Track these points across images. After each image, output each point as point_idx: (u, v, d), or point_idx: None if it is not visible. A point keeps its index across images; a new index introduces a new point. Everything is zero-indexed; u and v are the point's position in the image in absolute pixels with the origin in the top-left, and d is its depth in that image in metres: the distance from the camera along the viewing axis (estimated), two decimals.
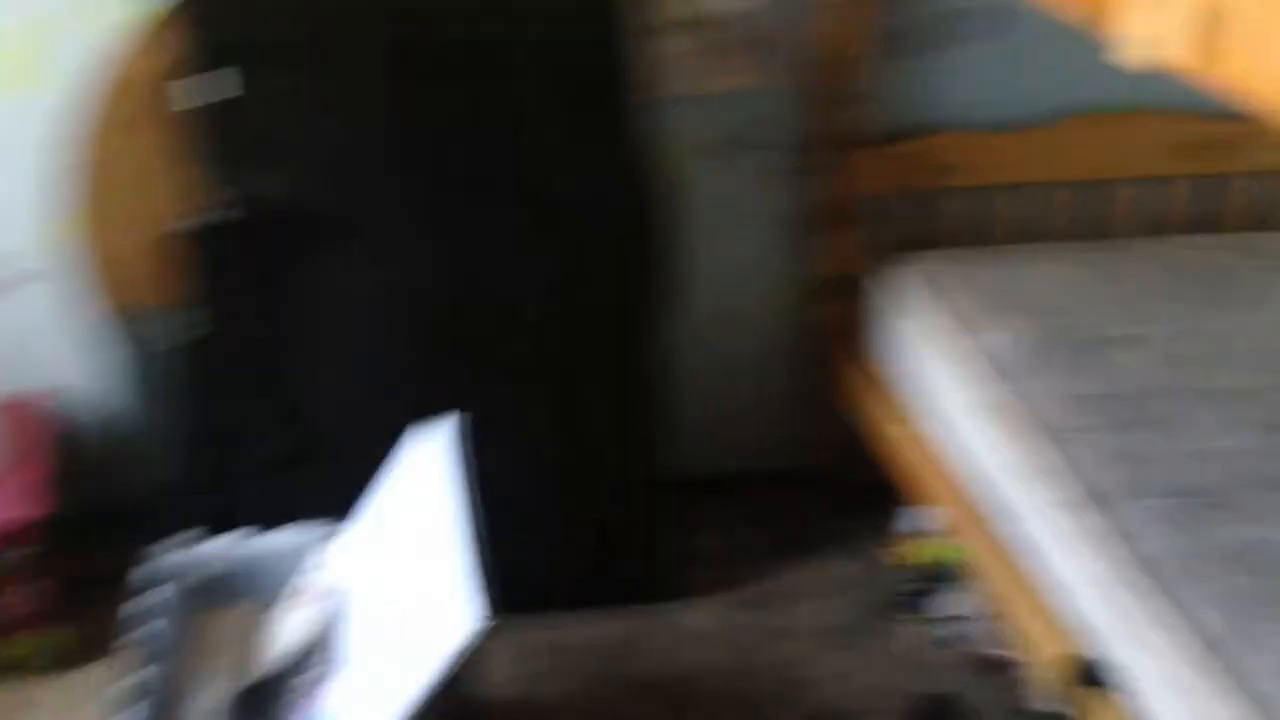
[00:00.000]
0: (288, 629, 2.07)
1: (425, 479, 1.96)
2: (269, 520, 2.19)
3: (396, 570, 1.93)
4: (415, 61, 2.25)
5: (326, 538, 2.14)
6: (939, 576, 2.69)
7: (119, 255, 2.45)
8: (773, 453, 3.05)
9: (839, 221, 2.77)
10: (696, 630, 2.69)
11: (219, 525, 2.22)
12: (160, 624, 2.00)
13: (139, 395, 2.57)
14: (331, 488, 2.11)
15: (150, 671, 1.90)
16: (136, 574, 2.08)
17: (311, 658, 1.96)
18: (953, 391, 2.43)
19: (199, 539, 2.16)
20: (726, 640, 2.66)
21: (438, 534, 1.82)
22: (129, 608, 2.02)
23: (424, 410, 2.03)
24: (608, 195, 2.39)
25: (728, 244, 2.83)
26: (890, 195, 2.76)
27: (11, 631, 2.40)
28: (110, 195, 2.41)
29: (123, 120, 2.37)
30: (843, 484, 2.94)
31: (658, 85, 2.43)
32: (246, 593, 2.16)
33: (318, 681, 1.89)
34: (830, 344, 2.87)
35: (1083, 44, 1.65)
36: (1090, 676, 1.89)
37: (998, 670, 2.51)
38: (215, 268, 2.32)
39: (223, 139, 2.23)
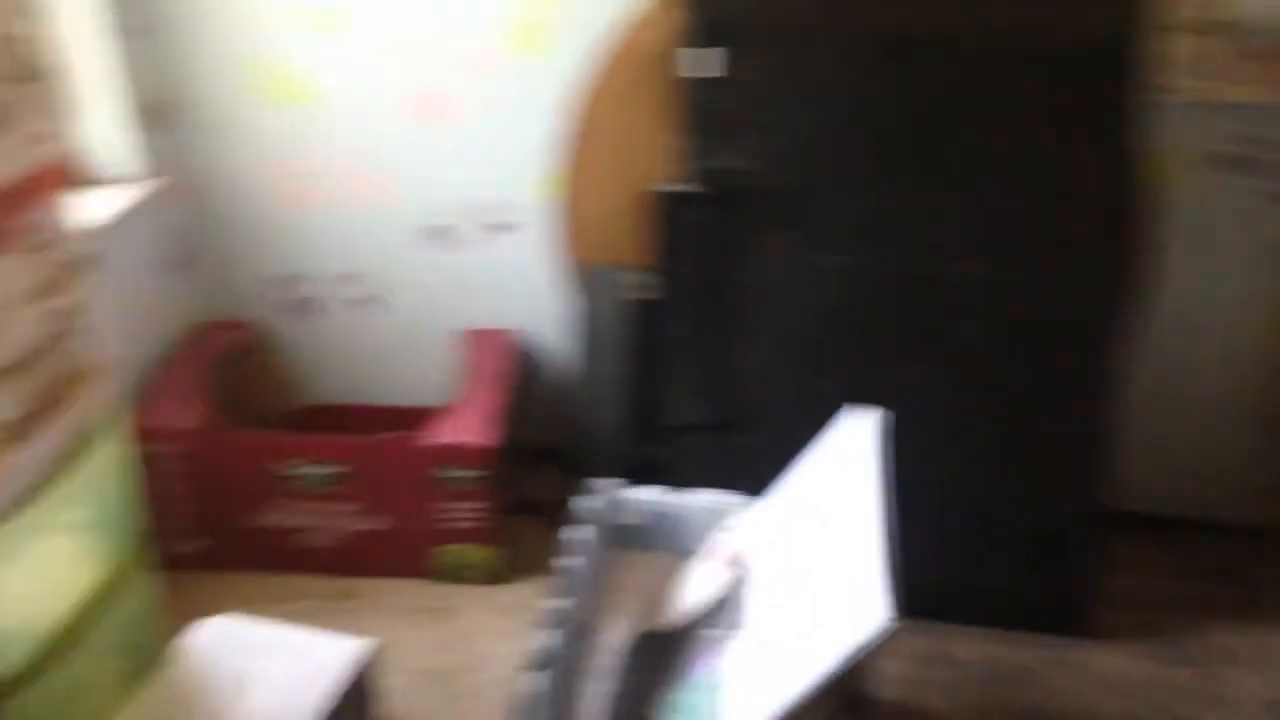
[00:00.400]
0: (694, 585, 2.13)
1: (848, 466, 1.94)
2: (690, 480, 2.27)
3: (807, 551, 1.93)
4: (907, 48, 2.22)
5: (743, 505, 2.18)
6: None
7: (591, 214, 2.62)
8: (1226, 501, 2.77)
9: None
10: (1109, 674, 2.48)
11: (643, 477, 2.32)
12: (582, 558, 2.12)
13: (589, 345, 2.74)
14: (754, 459, 2.14)
15: (568, 601, 2.03)
16: (568, 509, 2.22)
17: (713, 617, 2.01)
18: None
19: (625, 485, 2.28)
20: (1144, 693, 2.44)
21: (853, 523, 1.80)
22: (560, 538, 2.16)
23: (857, 396, 2.01)
24: (1090, 197, 2.24)
25: (1206, 265, 2.58)
26: None
27: (453, 542, 2.64)
28: (593, 157, 2.58)
29: (617, 89, 2.52)
30: None
31: (1164, 88, 2.25)
32: (661, 543, 2.25)
33: (715, 641, 1.93)
34: None
35: None
36: None
37: None
38: (674, 235, 2.42)
39: (700, 114, 2.31)
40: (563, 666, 1.94)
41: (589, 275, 2.68)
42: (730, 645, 1.88)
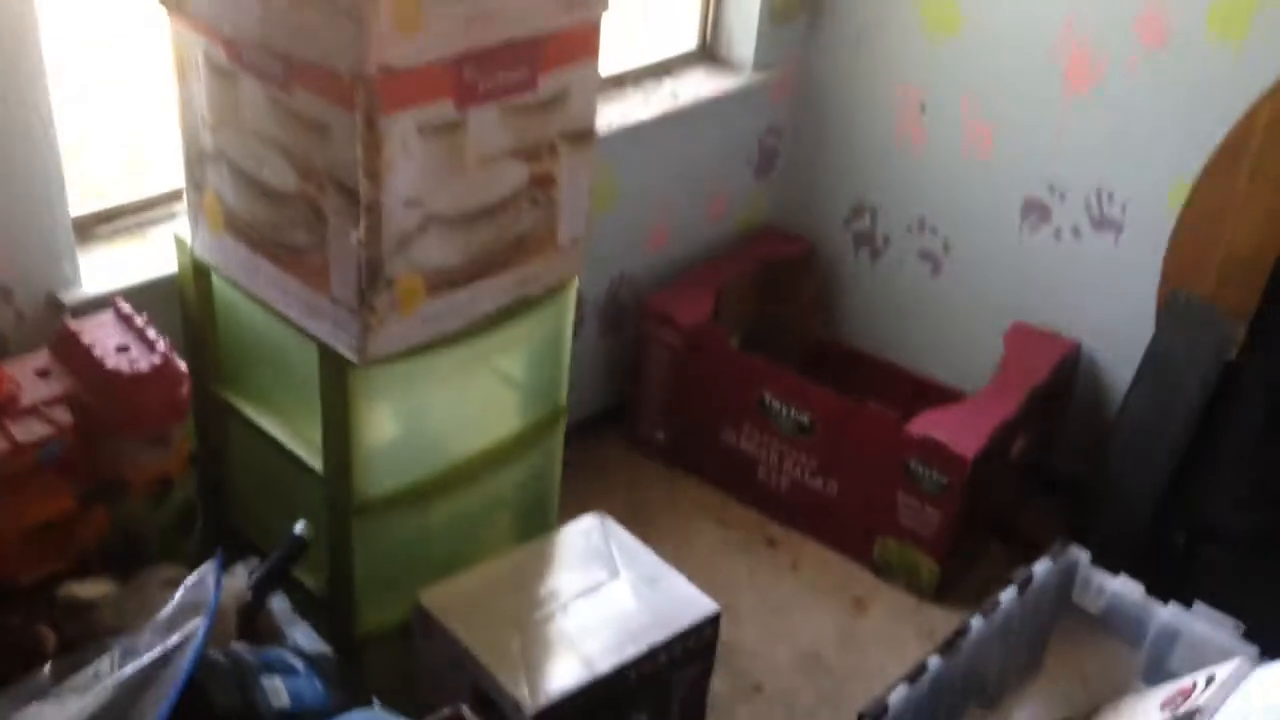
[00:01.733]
0: (1128, 714, 1.74)
1: None
2: (1206, 594, 1.85)
3: None
4: None
5: (1235, 648, 1.71)
6: None
7: (1219, 240, 2.17)
8: None
9: None
10: None
11: (1150, 563, 1.95)
12: (1012, 619, 1.84)
13: (1150, 385, 2.29)
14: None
15: (970, 656, 1.75)
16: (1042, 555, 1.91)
17: None
18: None
19: (1105, 560, 1.90)
20: None
21: None
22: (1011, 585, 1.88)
23: None
24: None
25: None
26: None
27: (900, 538, 2.37)
28: (1248, 176, 2.12)
29: None
30: None
31: None
32: (1124, 647, 1.88)
33: None
34: None
35: None
36: None
37: None
38: None
39: None
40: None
41: (1184, 308, 2.23)
42: None
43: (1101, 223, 2.47)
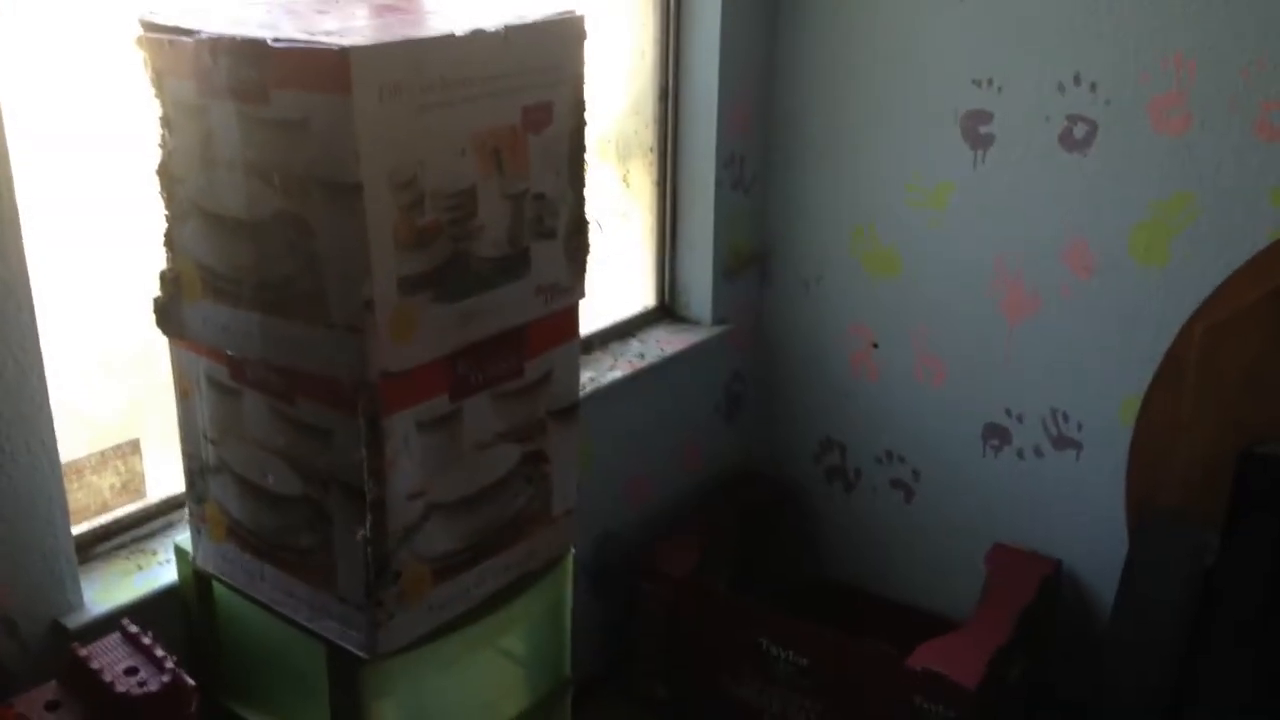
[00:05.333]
0: None
1: None
2: None
3: None
4: None
5: None
6: None
7: (1175, 453, 2.26)
8: None
9: None
10: None
11: None
12: None
13: (1131, 597, 2.33)
14: None
15: None
16: None
17: None
18: None
19: None
20: None
21: None
22: None
23: None
24: None
25: None
26: None
27: None
28: (1194, 390, 2.24)
29: (1243, 318, 2.17)
30: None
31: None
32: None
33: None
34: None
35: None
36: None
37: None
38: (1268, 509, 2.00)
39: None
40: None
41: (1155, 522, 2.30)
42: None
43: (1061, 441, 2.56)
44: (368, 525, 1.53)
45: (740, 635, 2.50)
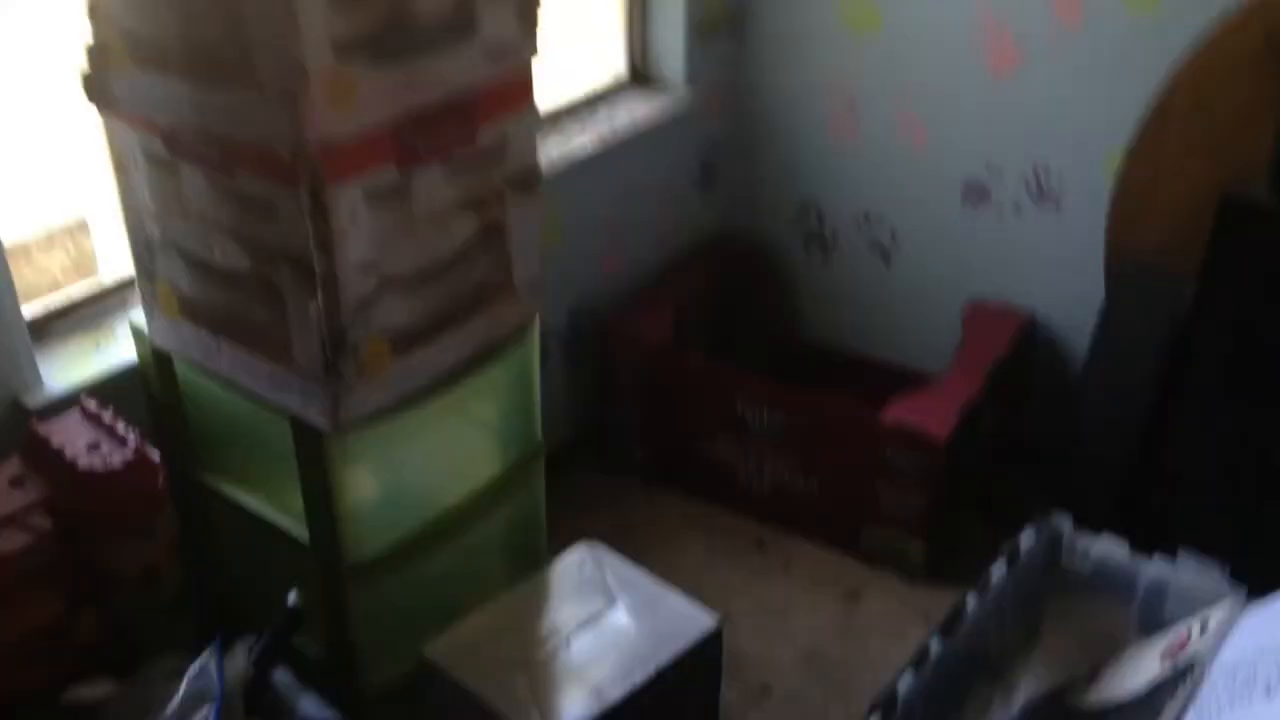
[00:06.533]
0: (1128, 666, 1.77)
1: None
2: (1184, 542, 1.86)
3: (1269, 687, 1.49)
4: None
5: (1224, 591, 1.75)
6: None
7: (1158, 203, 2.20)
8: None
9: None
10: None
11: (1126, 519, 1.97)
12: (1005, 591, 1.85)
13: (1107, 348, 2.33)
14: (1262, 539, 1.81)
15: (969, 634, 1.78)
16: (1023, 525, 1.93)
17: (1137, 715, 1.65)
18: None
19: (1088, 522, 1.93)
20: None
21: None
22: (997, 557, 1.89)
23: None
24: None
25: None
26: None
27: (885, 525, 2.41)
28: (1178, 140, 2.15)
29: (1228, 64, 2.08)
30: None
31: None
32: (1116, 604, 1.88)
33: None
34: None
35: None
36: None
37: None
38: (1246, 251, 1.97)
39: None
40: (931, 707, 1.71)
41: (1133, 272, 2.27)
42: None
43: (1042, 197, 2.51)
44: (320, 299, 1.50)
45: (716, 398, 2.53)
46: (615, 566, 1.99)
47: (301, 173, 1.42)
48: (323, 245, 1.47)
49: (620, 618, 1.87)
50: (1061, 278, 2.54)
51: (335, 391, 1.56)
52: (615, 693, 1.74)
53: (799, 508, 2.51)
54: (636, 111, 2.63)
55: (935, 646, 1.75)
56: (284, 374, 1.60)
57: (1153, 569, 1.87)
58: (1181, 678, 1.62)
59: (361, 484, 1.76)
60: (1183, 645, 1.71)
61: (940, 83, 2.54)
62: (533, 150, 1.76)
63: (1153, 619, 1.86)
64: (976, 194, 2.59)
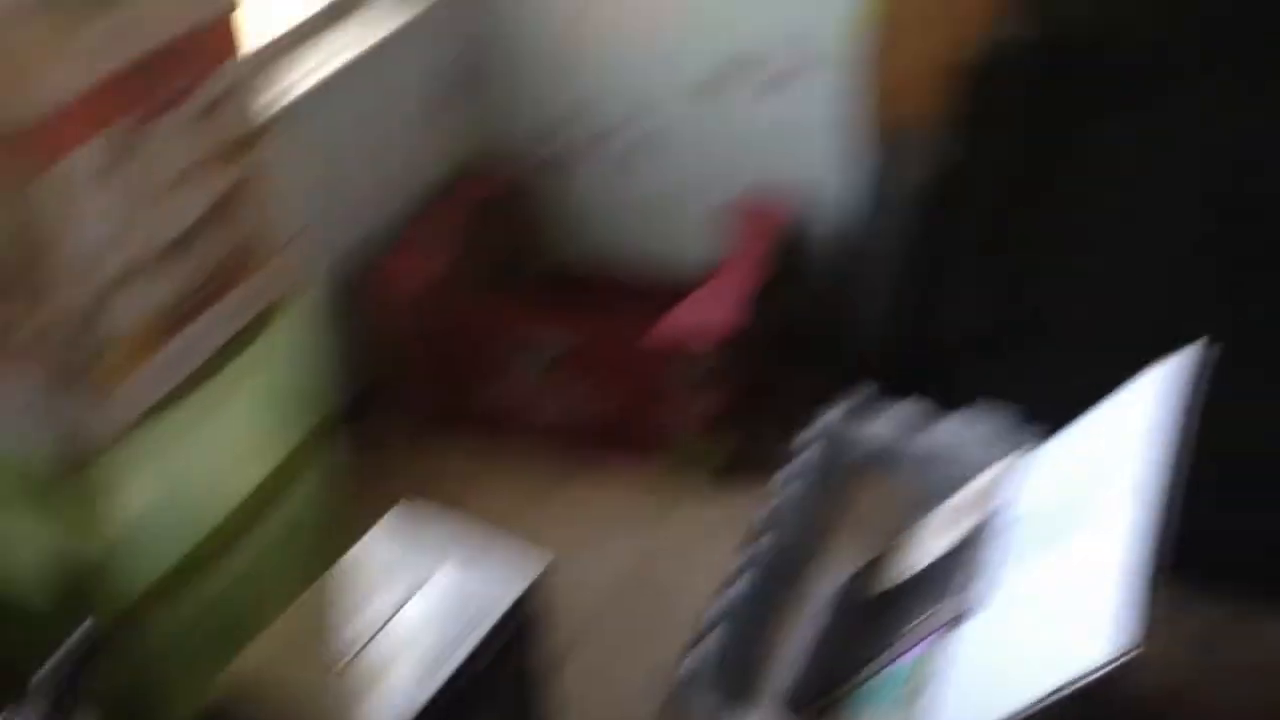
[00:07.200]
0: (933, 532, 1.83)
1: (1141, 411, 1.55)
2: (964, 402, 1.93)
3: (1070, 527, 1.57)
4: None
5: (1015, 440, 1.84)
6: None
7: (903, 64, 2.22)
8: None
9: None
10: None
11: (907, 387, 2.00)
12: (804, 480, 1.86)
13: (874, 222, 2.38)
14: (1047, 386, 1.82)
15: (777, 531, 1.79)
16: (813, 411, 1.95)
17: (944, 577, 1.71)
18: None
19: (877, 397, 1.97)
20: None
21: (1130, 503, 1.44)
22: (786, 461, 1.90)
23: (1182, 323, 1.62)
24: None
25: None
26: None
27: (682, 432, 2.43)
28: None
29: None
30: None
31: None
32: (910, 472, 1.94)
33: (936, 618, 1.64)
34: None
35: None
36: None
37: None
38: (993, 98, 2.03)
39: None
40: (754, 610, 1.72)
41: (889, 138, 2.30)
42: (952, 631, 1.58)
43: (791, 74, 2.51)
44: (52, 301, 1.33)
45: (489, 337, 2.45)
46: (432, 527, 1.88)
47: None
48: (40, 241, 1.30)
49: (432, 592, 1.73)
50: (822, 159, 2.55)
51: (85, 402, 1.40)
52: (435, 680, 1.59)
53: (595, 434, 2.48)
54: (374, 27, 2.45)
55: (746, 555, 1.74)
56: (25, 393, 1.42)
57: (946, 428, 1.91)
58: (979, 534, 1.69)
59: (134, 500, 1.57)
60: (986, 495, 1.79)
61: None
62: (255, 100, 1.61)
63: (955, 475, 1.88)
64: (724, 79, 2.57)
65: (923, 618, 1.63)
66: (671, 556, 2.30)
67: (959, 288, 2.22)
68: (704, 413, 2.37)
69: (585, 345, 2.39)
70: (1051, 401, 1.76)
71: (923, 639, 1.60)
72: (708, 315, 2.34)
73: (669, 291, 2.57)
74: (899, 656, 1.60)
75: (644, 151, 2.72)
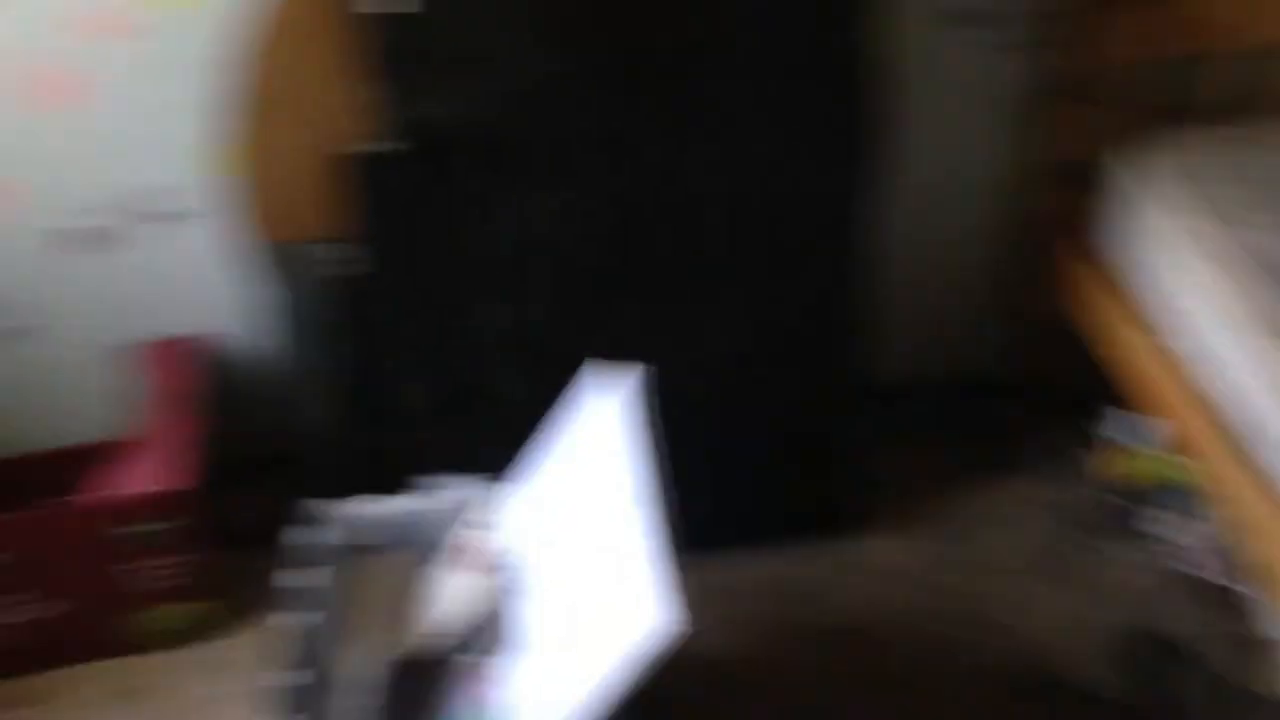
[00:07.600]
0: (449, 594, 1.87)
1: (604, 433, 1.74)
2: (425, 470, 2.01)
3: (575, 543, 1.70)
4: None
5: (488, 493, 1.94)
6: (1156, 495, 2.44)
7: (279, 182, 2.20)
8: (968, 358, 2.77)
9: (1076, 96, 2.42)
10: (884, 567, 2.44)
11: (372, 474, 2.03)
12: (311, 583, 1.84)
13: (292, 336, 2.35)
14: (496, 438, 1.94)
15: (301, 638, 1.75)
16: (289, 534, 1.92)
17: (477, 635, 1.77)
18: (1206, 297, 2.09)
19: (351, 494, 1.98)
20: (921, 576, 2.42)
21: (621, 501, 1.59)
22: (281, 573, 1.86)
23: (598, 344, 1.85)
24: (820, 73, 2.11)
25: (941, 127, 2.51)
26: (1140, 63, 2.37)
27: (151, 605, 2.26)
28: (274, 115, 2.15)
29: (292, 31, 2.10)
30: (1046, 394, 2.67)
31: None
32: (401, 545, 1.97)
33: (478, 667, 1.70)
34: (1053, 238, 2.55)
35: None
36: None
37: (1224, 603, 2.26)
38: (376, 198, 2.11)
39: (393, 57, 2.00)
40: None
41: (284, 256, 2.27)
42: (507, 670, 1.64)
43: (167, 218, 2.40)
44: None
45: None
46: None
47: None
48: None
49: None
50: (228, 290, 2.47)
51: None
52: None
53: (57, 637, 2.22)
54: None
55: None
56: None
57: (405, 504, 1.98)
58: (495, 586, 1.79)
59: None
60: (468, 545, 1.87)
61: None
62: None
63: (437, 544, 1.95)
64: (90, 237, 2.40)
65: (464, 672, 1.69)
66: None
67: (394, 375, 2.28)
68: (168, 579, 2.23)
69: (8, 551, 2.12)
70: (511, 452, 1.91)
71: (469, 690, 1.65)
72: (145, 476, 2.19)
73: (86, 462, 2.36)
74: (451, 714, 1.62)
75: (22, 320, 2.46)
